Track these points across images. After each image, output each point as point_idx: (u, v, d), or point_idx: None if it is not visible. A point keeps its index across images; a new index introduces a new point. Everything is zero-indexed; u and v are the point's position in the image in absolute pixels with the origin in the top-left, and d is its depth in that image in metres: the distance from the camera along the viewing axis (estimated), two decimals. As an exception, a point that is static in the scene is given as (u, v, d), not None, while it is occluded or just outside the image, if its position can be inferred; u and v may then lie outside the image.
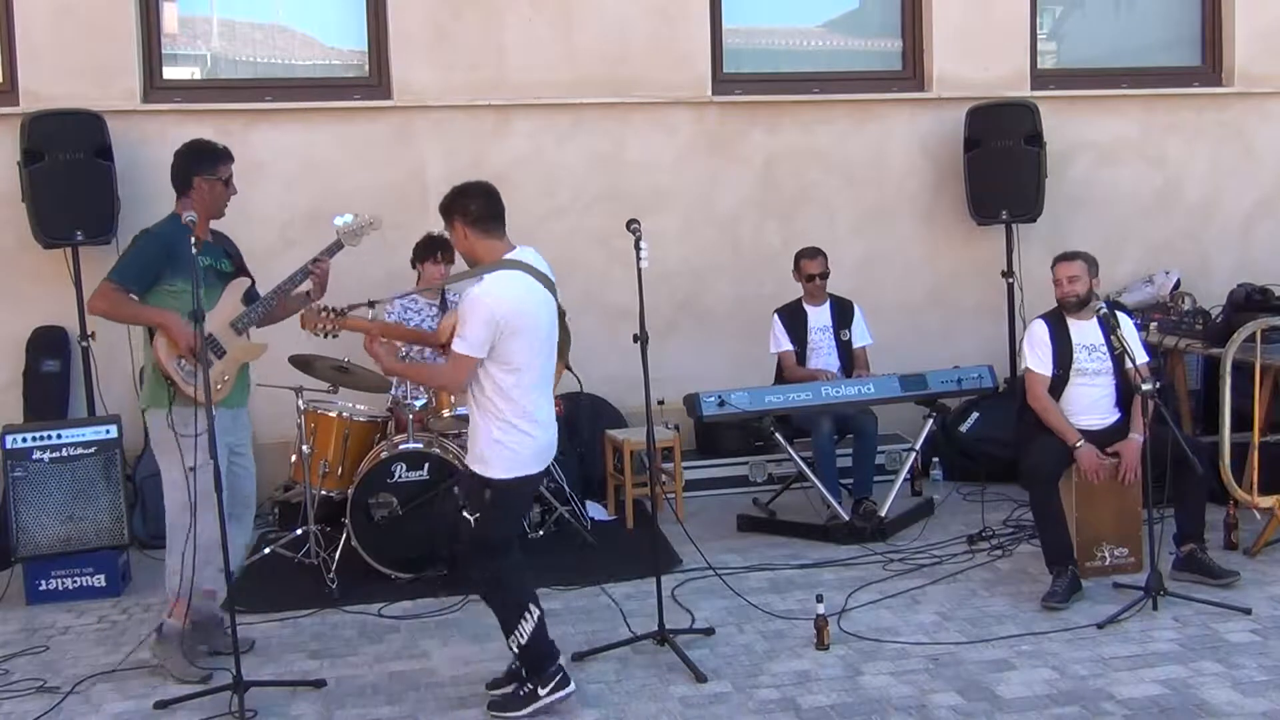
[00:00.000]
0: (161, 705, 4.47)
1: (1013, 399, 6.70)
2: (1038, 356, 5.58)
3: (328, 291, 5.07)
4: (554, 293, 4.40)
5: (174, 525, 4.77)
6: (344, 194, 7.20)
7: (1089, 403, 5.57)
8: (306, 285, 5.03)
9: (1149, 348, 5.96)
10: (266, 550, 6.08)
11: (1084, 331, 5.58)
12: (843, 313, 6.92)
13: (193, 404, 4.57)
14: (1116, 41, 8.40)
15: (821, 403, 6.42)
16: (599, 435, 7.10)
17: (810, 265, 6.83)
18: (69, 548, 5.81)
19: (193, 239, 4.42)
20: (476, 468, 4.28)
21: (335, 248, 5.08)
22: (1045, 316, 5.70)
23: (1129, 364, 5.36)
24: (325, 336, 4.64)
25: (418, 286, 6.59)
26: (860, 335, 6.94)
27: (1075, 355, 5.55)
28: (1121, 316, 5.61)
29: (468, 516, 4.27)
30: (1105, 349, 5.53)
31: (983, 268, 7.88)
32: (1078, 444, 5.41)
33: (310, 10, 7.66)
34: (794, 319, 6.87)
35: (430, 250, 6.54)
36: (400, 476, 5.76)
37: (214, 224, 4.96)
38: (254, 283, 5.01)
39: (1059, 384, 5.56)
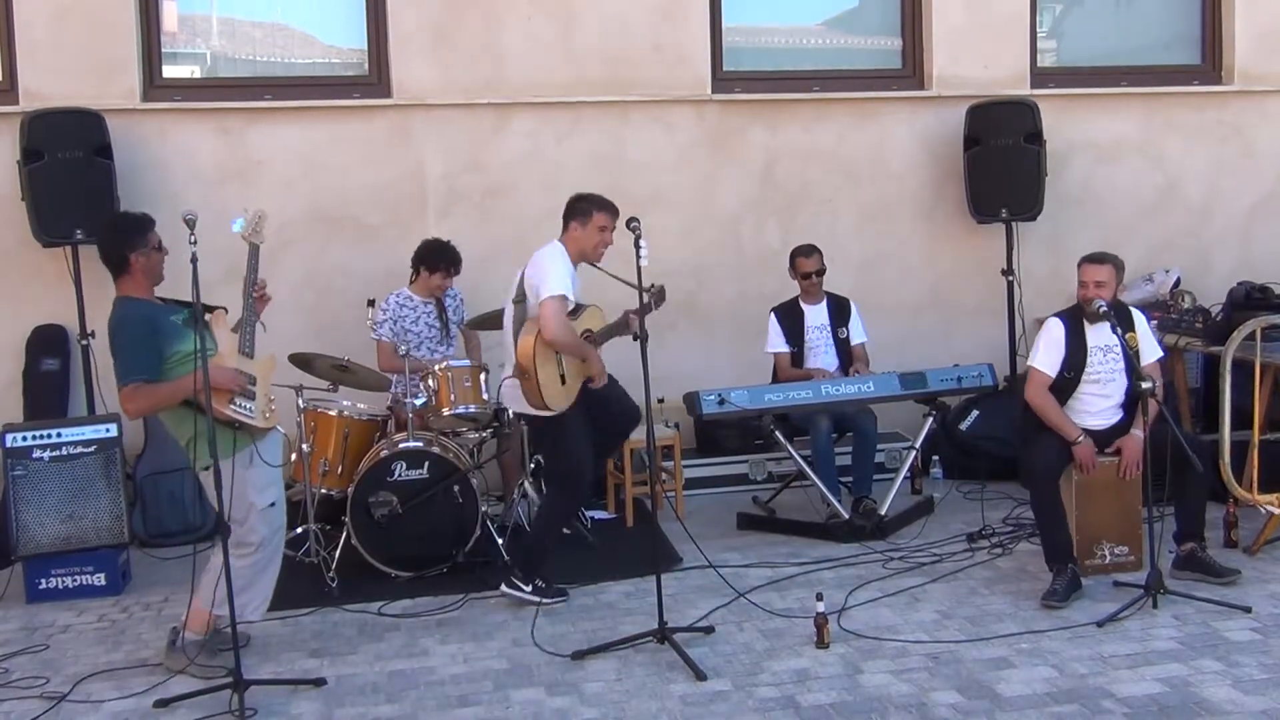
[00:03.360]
0: (162, 704, 4.47)
1: (1013, 397, 6.70)
2: (1046, 356, 5.50)
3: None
4: None
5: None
6: (343, 192, 7.21)
7: (1098, 405, 5.52)
8: None
9: (1162, 344, 5.90)
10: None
11: (1100, 333, 5.49)
12: (840, 310, 6.92)
13: (265, 435, 4.67)
14: (1116, 40, 8.40)
15: (821, 401, 6.42)
16: (599, 434, 7.10)
17: (805, 263, 6.83)
18: (69, 546, 5.81)
19: (192, 237, 4.40)
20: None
21: (255, 255, 4.85)
22: (1063, 315, 5.58)
23: (1141, 363, 5.30)
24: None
25: (417, 290, 6.60)
26: (856, 332, 6.93)
27: (1090, 358, 5.48)
28: (1136, 315, 5.59)
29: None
30: (1120, 350, 5.43)
31: (982, 266, 7.88)
32: (1078, 439, 5.40)
33: (310, 9, 7.65)
34: (790, 318, 6.86)
35: (441, 264, 6.52)
36: (400, 475, 5.76)
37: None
38: (226, 310, 4.88)
39: (1069, 386, 5.50)
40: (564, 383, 5.32)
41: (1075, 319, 5.55)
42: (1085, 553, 5.46)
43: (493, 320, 6.60)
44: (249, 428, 4.63)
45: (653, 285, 5.48)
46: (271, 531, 4.78)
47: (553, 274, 5.22)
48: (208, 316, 4.78)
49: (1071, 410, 5.51)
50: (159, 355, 4.58)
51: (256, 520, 4.71)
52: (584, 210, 5.43)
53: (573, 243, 5.43)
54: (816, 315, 6.88)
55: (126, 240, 4.71)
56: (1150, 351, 5.53)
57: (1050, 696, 4.28)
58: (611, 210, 5.46)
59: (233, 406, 4.58)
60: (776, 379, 6.84)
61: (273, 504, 4.72)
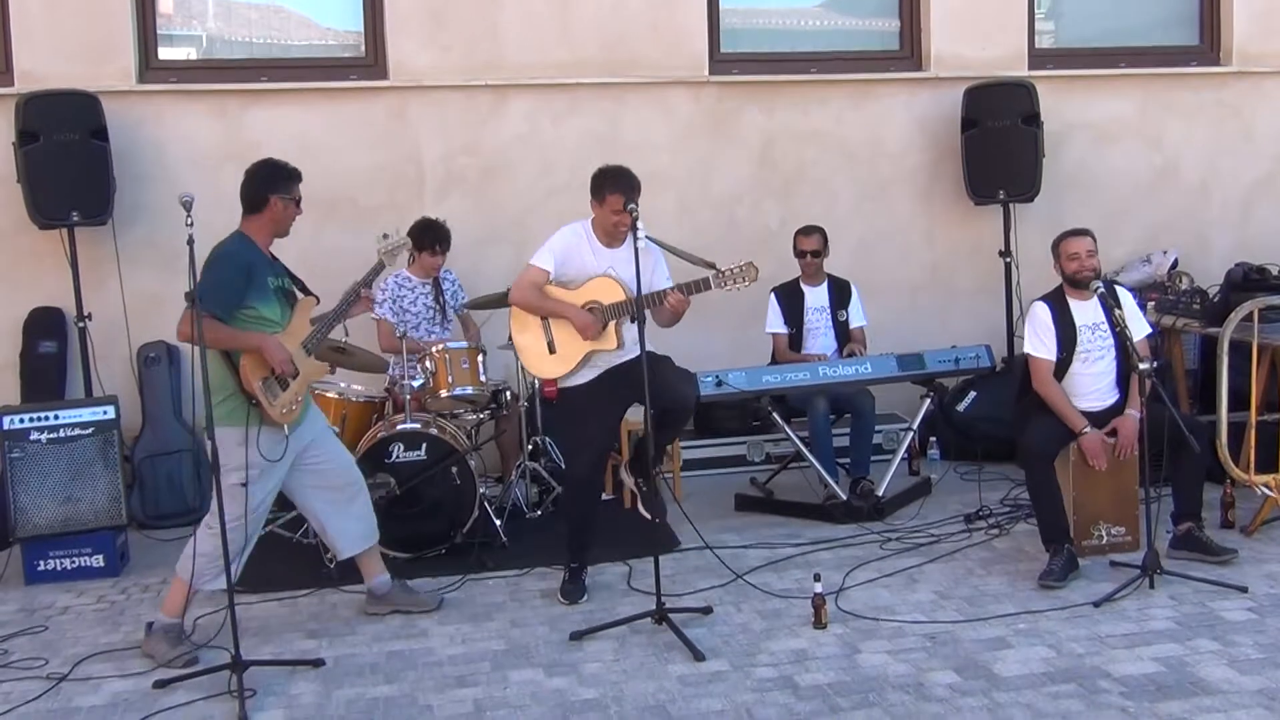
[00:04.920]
0: (161, 685, 4.48)
1: (1010, 378, 6.71)
2: (1041, 341, 5.51)
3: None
4: None
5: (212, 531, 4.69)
6: (340, 174, 7.19)
7: (1091, 385, 5.52)
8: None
9: (1150, 323, 5.92)
10: (265, 530, 6.07)
11: (1086, 311, 5.51)
12: (841, 293, 6.91)
13: (271, 425, 4.63)
14: (1114, 21, 8.37)
15: (819, 382, 6.42)
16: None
17: (803, 242, 6.83)
18: (67, 528, 5.81)
19: (189, 219, 4.41)
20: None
21: (379, 268, 5.15)
22: (1047, 299, 5.60)
23: (1130, 342, 5.32)
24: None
25: (415, 270, 6.62)
26: (855, 316, 6.93)
27: (1079, 336, 5.49)
28: (1122, 292, 5.60)
29: None
30: (1108, 327, 5.46)
31: (980, 247, 7.88)
32: (1084, 429, 5.39)
33: (306, -10, 7.65)
34: (791, 298, 6.86)
35: (429, 240, 6.53)
36: (398, 457, 5.76)
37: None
38: (319, 300, 5.04)
39: (1061, 366, 5.50)
40: (552, 351, 5.22)
41: (1059, 300, 5.56)
42: (1082, 533, 5.48)
43: (491, 302, 6.60)
44: (267, 414, 4.62)
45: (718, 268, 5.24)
46: (241, 512, 4.64)
47: (544, 244, 5.26)
48: (300, 298, 4.91)
49: (1068, 389, 5.51)
50: (239, 301, 4.63)
51: (224, 494, 4.57)
52: (596, 189, 5.17)
53: (595, 221, 5.23)
54: (817, 297, 6.88)
55: (272, 182, 4.81)
56: (1139, 328, 5.53)
57: (1047, 676, 4.30)
58: (626, 191, 5.05)
59: (261, 385, 4.60)
60: (775, 361, 6.85)
61: (243, 484, 4.60)
